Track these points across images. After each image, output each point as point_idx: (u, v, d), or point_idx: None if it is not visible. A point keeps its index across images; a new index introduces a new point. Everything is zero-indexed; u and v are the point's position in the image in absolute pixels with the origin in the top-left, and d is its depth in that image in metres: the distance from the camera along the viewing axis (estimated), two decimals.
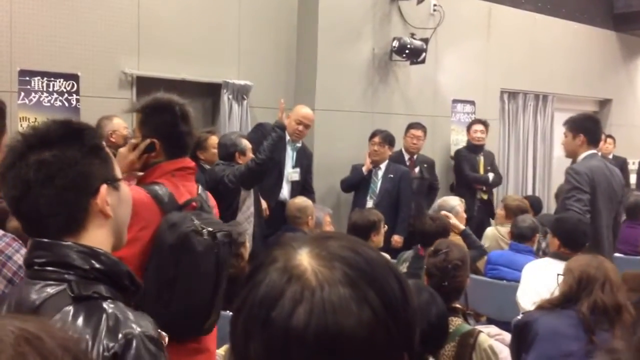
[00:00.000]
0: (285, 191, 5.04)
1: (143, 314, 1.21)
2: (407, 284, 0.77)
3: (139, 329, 1.14)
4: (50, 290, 1.18)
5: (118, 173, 1.34)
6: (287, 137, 4.97)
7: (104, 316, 1.14)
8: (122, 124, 4.26)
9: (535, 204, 6.06)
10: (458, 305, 2.53)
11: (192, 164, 2.19)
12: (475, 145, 6.34)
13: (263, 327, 0.72)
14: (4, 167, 1.24)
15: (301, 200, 4.50)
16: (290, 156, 5.08)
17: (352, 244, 0.77)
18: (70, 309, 1.15)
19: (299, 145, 5.11)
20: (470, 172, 6.31)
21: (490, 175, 6.31)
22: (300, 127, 4.90)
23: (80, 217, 1.24)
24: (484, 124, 6.38)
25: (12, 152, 1.25)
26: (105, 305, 1.16)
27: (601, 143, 6.88)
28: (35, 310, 1.16)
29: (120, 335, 1.12)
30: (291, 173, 5.05)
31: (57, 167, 1.21)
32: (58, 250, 1.22)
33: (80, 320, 1.13)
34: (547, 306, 2.48)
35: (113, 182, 1.30)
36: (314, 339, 0.69)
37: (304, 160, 5.19)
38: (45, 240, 1.23)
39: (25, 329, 0.59)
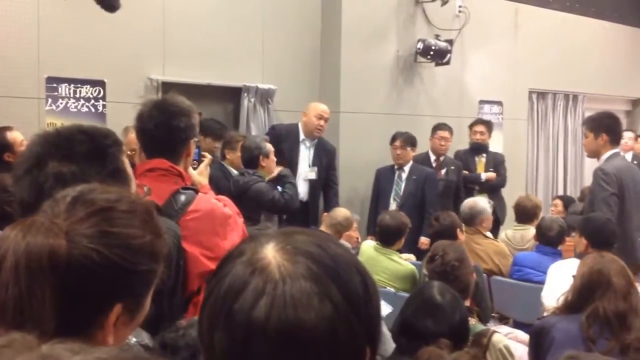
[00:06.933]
0: (302, 190, 4.94)
1: None
2: (371, 280, 0.79)
3: (134, 339, 1.15)
4: None
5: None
6: (302, 137, 5.01)
7: None
8: (134, 140, 4.28)
9: (568, 204, 5.92)
10: (471, 305, 2.49)
11: (165, 164, 2.11)
12: (477, 147, 6.01)
13: (226, 319, 0.73)
14: (21, 170, 1.25)
15: (348, 215, 4.28)
16: (305, 155, 5.06)
17: (318, 240, 0.78)
18: None
19: (313, 142, 5.08)
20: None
21: (483, 175, 5.94)
22: (322, 122, 4.98)
23: None
24: (487, 124, 6.07)
25: (31, 156, 1.25)
26: None
27: (632, 142, 6.78)
28: None
29: None
30: (307, 172, 5.03)
31: (72, 185, 1.21)
32: None
33: None
34: (557, 312, 2.43)
35: None
36: (275, 332, 0.70)
37: (323, 156, 5.14)
38: None
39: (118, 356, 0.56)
